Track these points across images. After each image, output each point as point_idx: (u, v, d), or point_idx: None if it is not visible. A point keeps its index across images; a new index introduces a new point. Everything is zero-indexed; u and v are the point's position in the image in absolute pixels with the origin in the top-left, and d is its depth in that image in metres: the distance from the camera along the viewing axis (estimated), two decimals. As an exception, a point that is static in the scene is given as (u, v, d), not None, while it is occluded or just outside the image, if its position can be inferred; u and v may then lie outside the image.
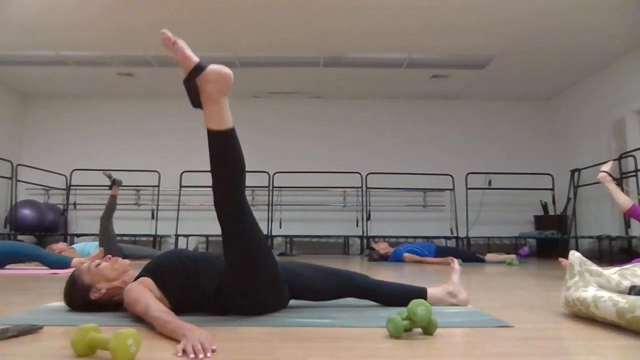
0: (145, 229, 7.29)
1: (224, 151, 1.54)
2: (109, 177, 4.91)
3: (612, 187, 3.35)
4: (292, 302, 1.87)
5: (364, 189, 7.42)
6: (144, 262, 1.93)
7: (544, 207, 7.35)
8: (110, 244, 4.67)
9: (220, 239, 1.62)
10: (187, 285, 1.65)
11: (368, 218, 7.37)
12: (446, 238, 7.16)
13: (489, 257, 5.35)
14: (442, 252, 5.27)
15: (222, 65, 1.51)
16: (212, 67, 1.49)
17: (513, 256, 5.26)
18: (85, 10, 4.86)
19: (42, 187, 7.32)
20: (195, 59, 1.51)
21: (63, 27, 5.26)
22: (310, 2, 4.71)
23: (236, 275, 1.63)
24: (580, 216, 6.74)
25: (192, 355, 1.14)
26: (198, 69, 1.48)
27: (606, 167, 3.47)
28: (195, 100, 1.51)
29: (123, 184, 7.16)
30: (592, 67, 6.36)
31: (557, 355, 1.21)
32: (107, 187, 4.93)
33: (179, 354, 1.17)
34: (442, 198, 7.56)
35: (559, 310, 1.88)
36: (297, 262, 1.93)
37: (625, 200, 3.27)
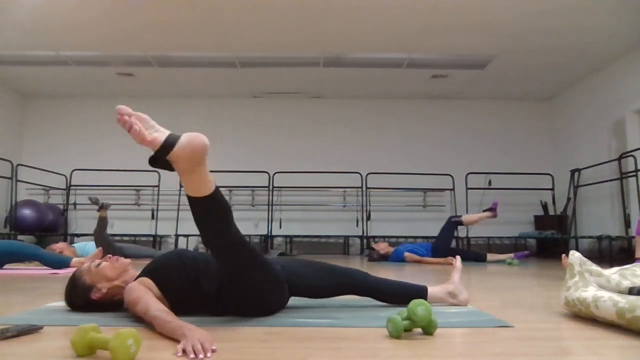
0: (145, 229, 7.29)
1: (207, 214, 1.46)
2: (96, 202, 4.91)
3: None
4: (292, 302, 1.87)
5: (364, 189, 7.42)
6: (144, 262, 1.93)
7: (544, 207, 7.35)
8: (108, 247, 4.67)
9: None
10: (187, 285, 1.65)
11: (368, 218, 7.37)
12: (446, 238, 7.14)
13: (489, 256, 5.36)
14: (437, 250, 5.28)
15: (195, 133, 1.32)
16: (182, 142, 1.30)
17: (512, 255, 5.28)
18: (86, 10, 4.86)
19: (42, 187, 7.32)
20: (159, 139, 1.31)
21: (63, 27, 5.25)
22: (310, 2, 4.71)
23: (231, 274, 1.62)
24: (580, 216, 6.74)
25: (192, 355, 1.14)
26: (165, 149, 1.31)
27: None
28: (169, 169, 1.36)
29: (123, 184, 7.24)
30: (592, 67, 6.36)
31: (557, 355, 1.21)
32: (96, 210, 4.94)
33: (179, 354, 1.17)
34: (442, 198, 7.56)
35: (559, 310, 1.88)
36: (298, 260, 1.93)
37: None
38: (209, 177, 1.40)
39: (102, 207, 4.86)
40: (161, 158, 1.32)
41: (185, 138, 1.32)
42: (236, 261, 1.58)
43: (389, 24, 5.14)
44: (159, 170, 7.26)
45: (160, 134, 1.33)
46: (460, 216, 5.39)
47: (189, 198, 1.42)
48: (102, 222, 4.85)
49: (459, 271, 2.00)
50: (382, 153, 7.64)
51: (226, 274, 1.63)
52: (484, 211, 5.31)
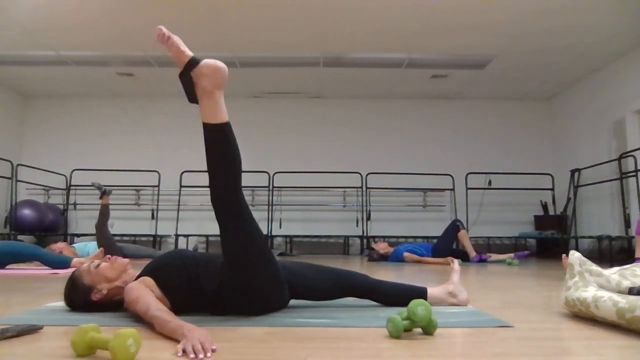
0: (145, 229, 7.29)
1: (220, 144, 1.55)
2: (99, 188, 4.94)
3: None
4: (292, 302, 1.87)
5: (364, 189, 7.42)
6: (144, 262, 1.93)
7: (544, 207, 7.35)
8: (109, 245, 4.67)
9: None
10: (187, 285, 1.65)
11: (368, 218, 7.37)
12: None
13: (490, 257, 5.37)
14: (438, 251, 5.29)
15: (217, 59, 1.54)
16: (206, 60, 1.53)
17: (512, 255, 5.29)
18: (85, 10, 4.86)
19: (42, 187, 7.32)
20: (189, 54, 1.55)
21: (63, 27, 5.26)
22: (310, 2, 4.71)
23: (235, 270, 1.62)
24: (580, 216, 6.74)
25: (192, 355, 1.14)
26: (192, 63, 1.52)
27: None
28: (191, 94, 1.55)
29: (123, 184, 7.24)
30: (592, 67, 6.36)
31: (557, 355, 1.21)
32: (98, 197, 4.97)
33: (179, 354, 1.17)
34: (442, 198, 7.56)
35: (559, 310, 1.88)
36: (297, 262, 1.93)
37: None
38: (224, 108, 1.56)
39: (105, 193, 4.87)
40: (188, 72, 1.52)
41: (208, 59, 1.54)
42: (238, 228, 1.58)
43: (389, 24, 5.14)
44: (158, 170, 7.29)
45: (189, 52, 1.56)
46: (464, 227, 5.40)
47: (206, 127, 1.53)
48: (104, 212, 4.83)
49: (457, 272, 2.00)
50: (382, 153, 7.64)
51: (227, 256, 1.62)
52: (476, 251, 5.31)
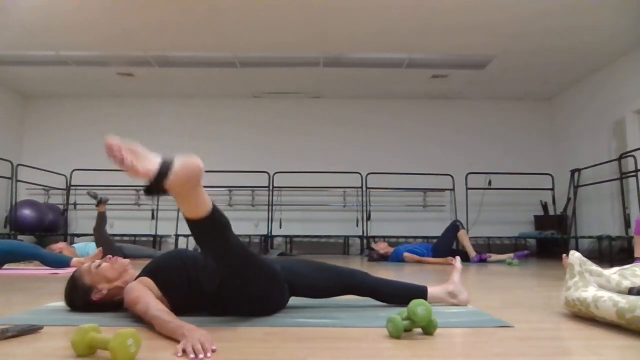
0: (145, 229, 7.29)
1: (206, 234, 1.46)
2: (95, 196, 4.96)
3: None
4: (292, 302, 1.87)
5: (364, 189, 7.42)
6: (144, 262, 1.93)
7: (544, 207, 7.35)
8: (108, 246, 4.68)
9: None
10: (187, 285, 1.65)
11: (368, 218, 7.37)
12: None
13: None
14: (437, 251, 5.29)
15: (189, 158, 1.29)
16: (177, 168, 1.27)
17: (512, 255, 5.29)
18: (86, 10, 4.86)
19: (42, 187, 7.32)
20: (154, 168, 1.27)
21: (63, 28, 5.25)
22: (310, 2, 4.71)
23: (233, 282, 1.62)
24: (580, 216, 6.74)
25: (192, 356, 1.14)
26: (160, 177, 1.27)
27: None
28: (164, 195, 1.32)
29: (123, 184, 7.24)
30: (592, 67, 6.35)
31: (557, 355, 1.21)
32: (95, 205, 4.99)
33: (179, 354, 1.17)
34: (442, 198, 7.56)
35: (559, 310, 1.88)
36: (298, 260, 1.93)
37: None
38: (205, 197, 1.37)
39: (101, 202, 4.89)
40: (156, 189, 1.29)
41: (179, 165, 1.28)
42: (235, 266, 1.57)
43: (389, 24, 5.14)
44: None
45: (152, 163, 1.29)
46: (463, 228, 5.40)
47: (187, 220, 1.40)
48: (101, 218, 4.87)
49: (458, 271, 2.00)
50: (382, 153, 7.64)
51: (226, 275, 1.63)
52: (476, 251, 5.30)
